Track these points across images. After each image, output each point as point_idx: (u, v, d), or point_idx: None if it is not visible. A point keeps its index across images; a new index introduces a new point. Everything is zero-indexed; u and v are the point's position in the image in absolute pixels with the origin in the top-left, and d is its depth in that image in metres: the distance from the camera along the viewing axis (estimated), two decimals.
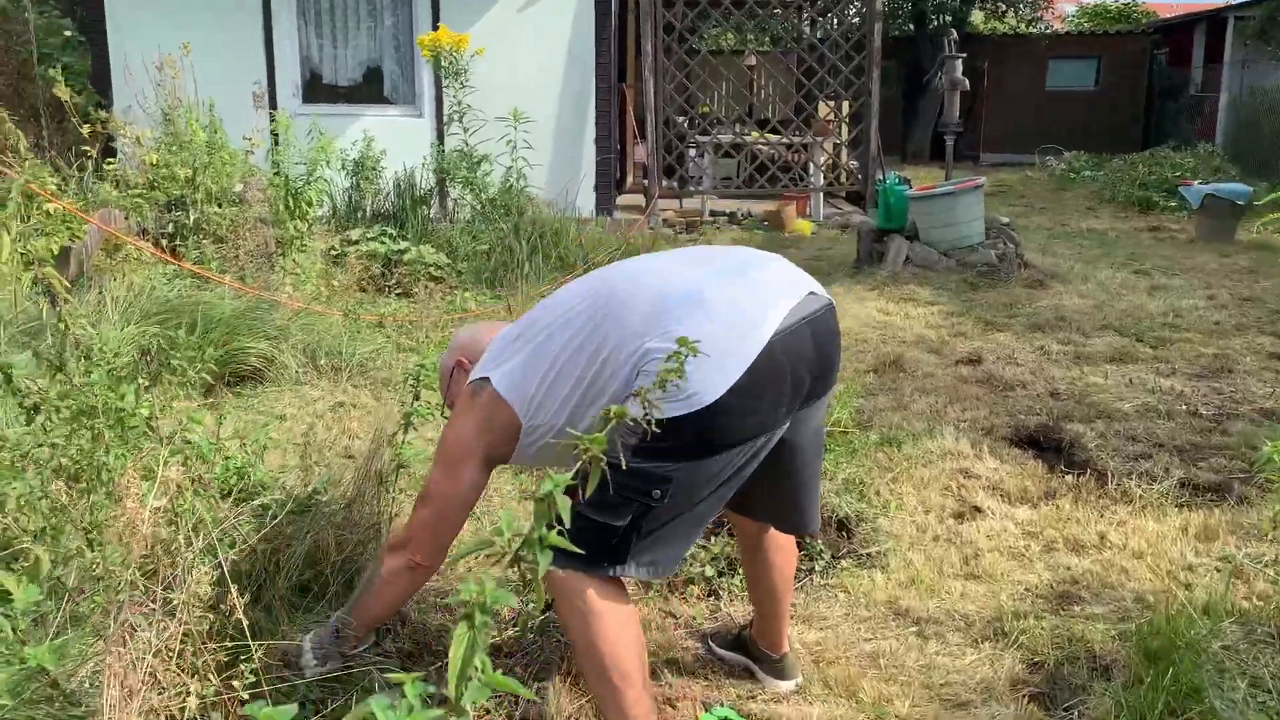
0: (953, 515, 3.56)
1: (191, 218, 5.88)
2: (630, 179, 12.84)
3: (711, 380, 1.97)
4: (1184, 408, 4.69)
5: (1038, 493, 3.75)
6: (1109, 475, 3.85)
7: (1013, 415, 4.56)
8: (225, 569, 2.04)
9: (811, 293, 2.17)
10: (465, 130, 7.40)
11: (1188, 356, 5.58)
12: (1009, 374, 5.19)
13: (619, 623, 2.08)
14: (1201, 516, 3.50)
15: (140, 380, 2.07)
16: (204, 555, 1.94)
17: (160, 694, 1.75)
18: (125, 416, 1.88)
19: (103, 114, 6.74)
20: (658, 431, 1.87)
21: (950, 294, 7.07)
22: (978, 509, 3.59)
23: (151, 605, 1.84)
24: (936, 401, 4.75)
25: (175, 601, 1.84)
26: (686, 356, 1.86)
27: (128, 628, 1.71)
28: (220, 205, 6.03)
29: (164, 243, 5.78)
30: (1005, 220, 8.26)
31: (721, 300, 2.05)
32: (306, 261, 6.53)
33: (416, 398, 2.67)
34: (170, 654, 1.86)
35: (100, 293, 4.66)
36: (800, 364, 2.10)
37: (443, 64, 7.21)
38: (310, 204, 6.84)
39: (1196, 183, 10.12)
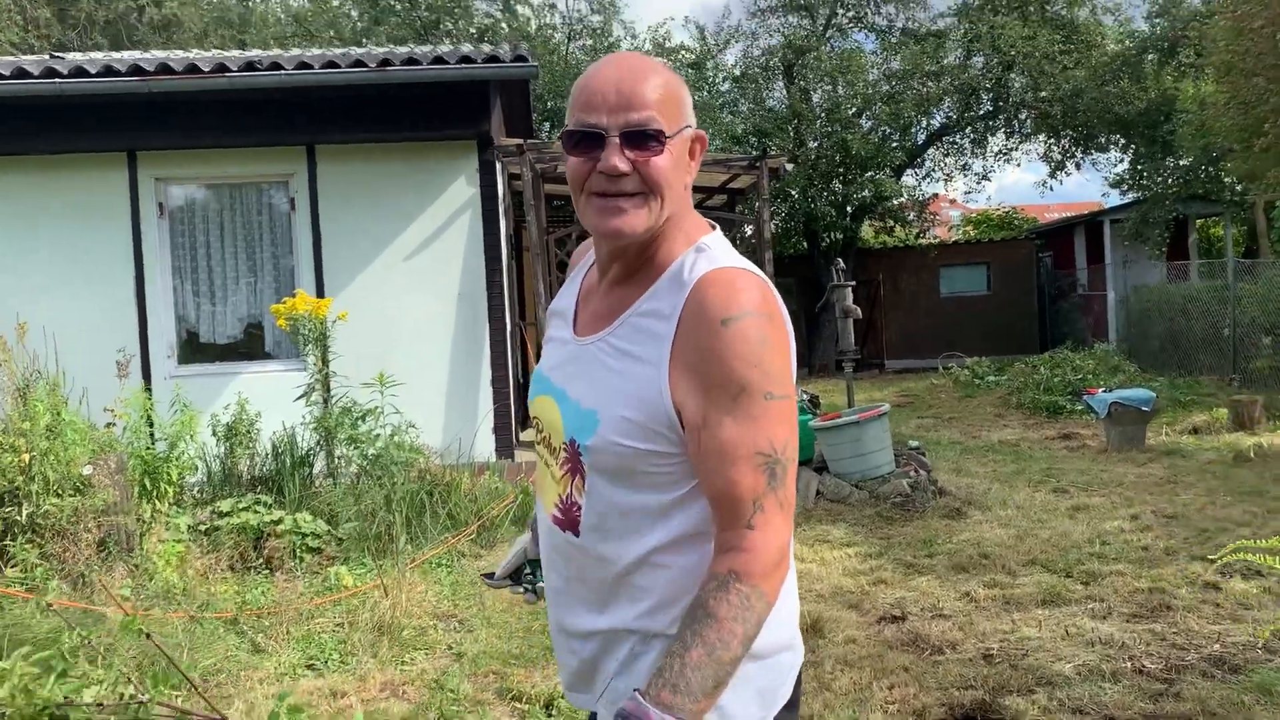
0: None
1: (24, 513, 5.25)
2: None
3: None
4: (1128, 664, 4.24)
5: None
6: None
7: (945, 690, 4.06)
8: None
9: None
10: (343, 387, 6.98)
11: (1122, 593, 5.19)
12: (936, 632, 4.72)
13: None
14: None
15: None
16: None
17: None
18: None
19: None
20: None
21: (866, 531, 6.67)
22: None
23: None
24: (861, 677, 4.23)
25: None
26: None
27: None
28: (61, 494, 5.43)
29: None
30: (915, 444, 8.01)
31: None
32: (164, 548, 5.88)
33: None
34: None
35: None
36: None
37: (301, 332, 6.79)
38: (171, 482, 6.26)
39: (1100, 390, 10.09)
